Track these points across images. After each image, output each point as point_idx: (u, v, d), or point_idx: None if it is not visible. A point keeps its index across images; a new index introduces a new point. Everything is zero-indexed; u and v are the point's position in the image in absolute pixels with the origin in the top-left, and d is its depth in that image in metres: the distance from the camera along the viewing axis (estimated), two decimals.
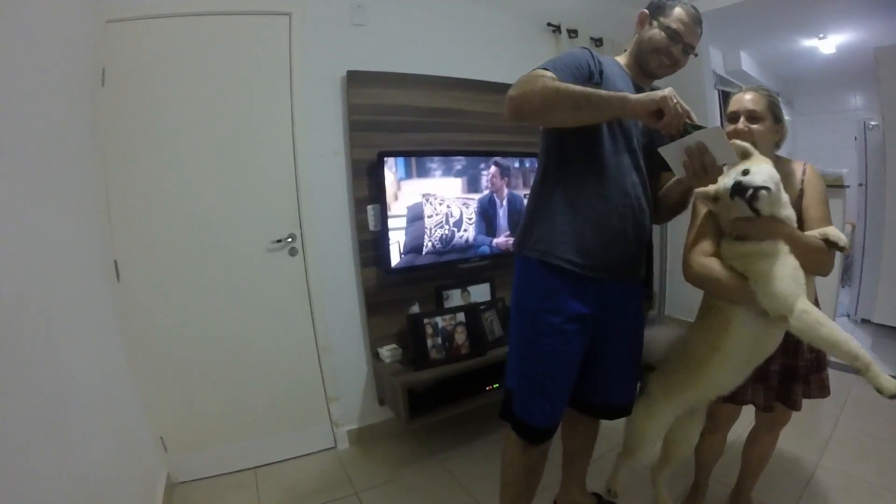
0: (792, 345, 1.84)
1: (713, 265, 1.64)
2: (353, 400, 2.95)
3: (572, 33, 3.67)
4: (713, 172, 1.51)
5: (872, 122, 4.60)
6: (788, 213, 1.59)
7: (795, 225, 1.60)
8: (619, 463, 2.29)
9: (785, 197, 1.59)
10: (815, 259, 1.57)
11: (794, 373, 1.88)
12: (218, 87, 2.50)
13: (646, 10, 1.73)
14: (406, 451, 2.89)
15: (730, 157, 1.48)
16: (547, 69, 1.56)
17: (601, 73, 1.65)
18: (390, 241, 2.73)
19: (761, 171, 1.53)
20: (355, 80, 2.74)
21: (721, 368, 1.72)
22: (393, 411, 2.86)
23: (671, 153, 1.52)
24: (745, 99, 1.76)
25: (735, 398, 1.87)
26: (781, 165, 1.76)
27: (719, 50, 5.43)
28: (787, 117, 1.88)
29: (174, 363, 2.51)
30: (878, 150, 4.37)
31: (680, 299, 4.93)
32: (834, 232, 1.59)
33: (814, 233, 1.62)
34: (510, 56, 2.73)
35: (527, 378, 1.79)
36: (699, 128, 1.47)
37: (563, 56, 1.66)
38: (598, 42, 3.79)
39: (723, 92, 5.14)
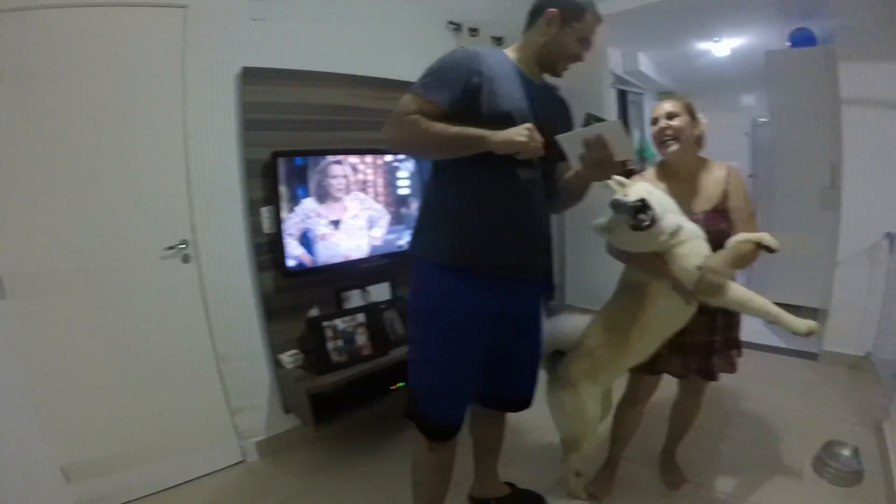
0: (707, 322, 2.03)
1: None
2: (258, 410, 2.84)
3: (473, 32, 3.70)
4: (610, 167, 1.59)
5: (762, 119, 4.90)
6: (676, 220, 1.80)
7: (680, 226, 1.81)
8: (569, 462, 2.35)
9: (670, 206, 1.80)
10: (746, 263, 1.85)
11: (711, 348, 2.07)
12: (105, 84, 2.33)
13: (555, 10, 1.68)
14: (318, 457, 2.83)
15: (628, 153, 1.53)
16: (420, 94, 1.60)
17: (480, 73, 1.62)
18: (285, 243, 2.65)
19: (636, 190, 1.73)
20: (251, 77, 2.64)
21: (641, 338, 1.96)
22: (299, 418, 2.79)
23: (569, 143, 1.55)
24: (664, 105, 2.02)
25: (653, 368, 2.09)
26: (706, 168, 2.03)
27: (618, 51, 5.62)
28: (703, 117, 2.06)
29: (69, 385, 2.31)
30: (767, 144, 4.67)
31: (581, 289, 5.10)
32: (768, 238, 1.79)
33: (749, 237, 1.83)
34: (412, 53, 2.69)
35: (429, 377, 1.80)
36: (600, 120, 1.50)
37: (441, 66, 1.64)
38: (498, 41, 3.85)
39: (621, 91, 5.33)
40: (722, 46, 5.72)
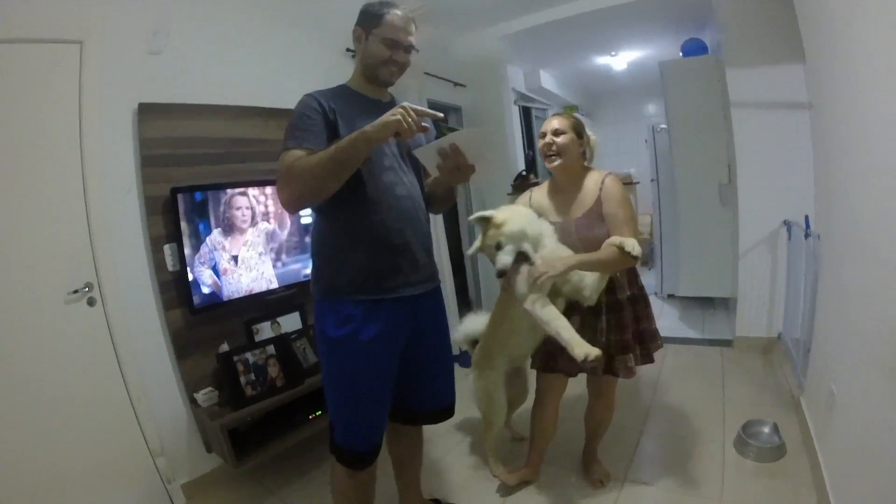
0: (591, 323, 2.15)
1: None
2: (180, 451, 2.73)
3: None
4: (466, 171, 1.67)
5: (661, 126, 5.15)
6: (551, 246, 2.03)
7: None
8: (488, 441, 2.57)
9: (544, 231, 2.05)
10: (609, 267, 2.02)
11: (623, 346, 2.17)
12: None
13: (357, 27, 1.77)
14: (245, 494, 2.75)
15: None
16: (295, 147, 1.61)
17: (333, 110, 1.68)
18: (191, 280, 2.60)
19: (507, 235, 1.95)
20: (148, 112, 2.59)
21: (512, 332, 2.28)
22: (220, 456, 2.70)
23: (425, 154, 1.63)
24: (552, 121, 2.19)
25: (550, 367, 2.23)
26: (588, 177, 2.19)
27: (520, 69, 5.83)
28: (591, 134, 2.24)
29: None
30: (667, 150, 4.91)
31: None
32: (630, 243, 1.90)
33: (611, 240, 1.96)
34: (311, 82, 2.68)
35: (342, 406, 1.81)
36: (453, 130, 1.57)
37: (300, 117, 1.67)
38: None
39: (524, 108, 5.52)
40: (619, 60, 6.04)
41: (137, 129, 2.59)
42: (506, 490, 2.50)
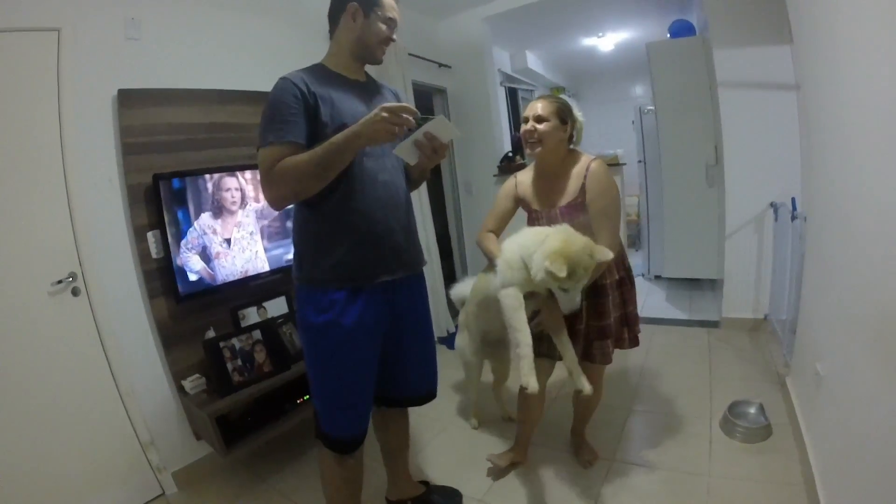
0: (598, 308, 2.16)
1: (485, 240, 2.23)
2: (170, 440, 2.73)
3: None
4: (442, 151, 1.67)
5: (649, 107, 5.14)
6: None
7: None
8: (470, 393, 2.94)
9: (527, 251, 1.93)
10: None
11: (603, 332, 2.16)
12: None
13: (354, 3, 1.71)
14: (236, 481, 2.76)
15: (454, 134, 1.65)
16: (273, 142, 1.57)
17: (312, 94, 1.63)
18: (176, 267, 2.57)
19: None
20: (127, 99, 2.54)
21: (483, 310, 2.38)
22: (210, 444, 2.70)
23: (404, 150, 1.65)
24: (536, 106, 2.12)
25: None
26: (574, 162, 2.13)
27: (506, 50, 5.79)
28: (579, 115, 2.17)
29: None
30: (654, 131, 4.90)
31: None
32: (599, 252, 1.86)
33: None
34: (291, 65, 2.68)
35: (325, 393, 1.81)
36: (426, 119, 1.61)
37: (276, 107, 1.61)
38: None
39: (510, 89, 5.49)
40: (606, 41, 6.01)
41: (117, 116, 2.54)
42: (496, 473, 2.52)
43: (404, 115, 1.49)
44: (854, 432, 1.66)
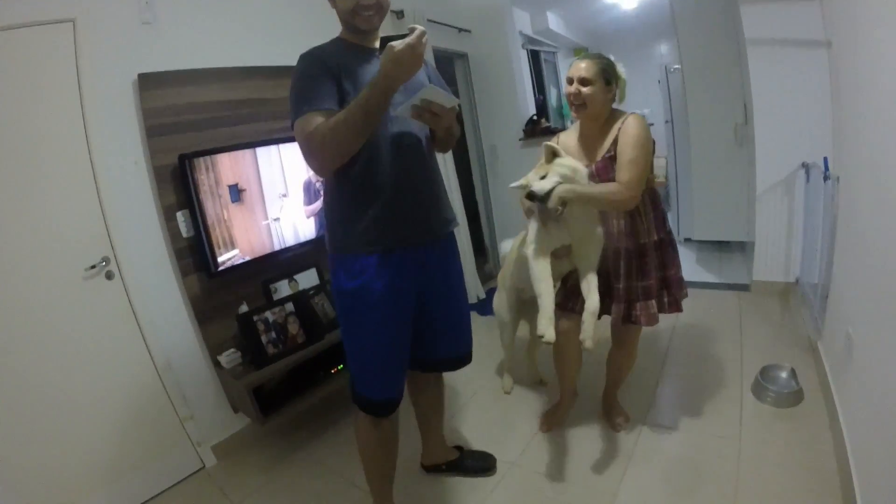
0: (642, 268, 2.17)
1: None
2: (208, 414, 2.82)
3: None
4: (445, 114, 1.63)
5: (675, 66, 5.01)
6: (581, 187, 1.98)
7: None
8: (505, 355, 3.05)
9: (581, 175, 2.00)
10: (605, 205, 2.05)
11: (648, 292, 2.17)
12: (1, 109, 2.21)
13: None
14: (274, 450, 2.85)
15: (452, 101, 1.62)
16: (311, 111, 1.56)
17: (336, 65, 1.63)
18: (206, 244, 2.62)
19: (555, 170, 1.98)
20: (148, 82, 2.56)
21: (518, 265, 2.48)
22: (248, 416, 2.78)
23: (405, 113, 1.62)
24: (580, 66, 2.06)
25: (566, 306, 2.26)
26: (615, 120, 2.12)
27: (526, 12, 5.66)
28: (623, 72, 2.12)
29: (6, 428, 2.19)
30: (680, 90, 4.79)
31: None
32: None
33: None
34: (308, 38, 2.67)
35: (360, 357, 1.83)
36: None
37: (304, 80, 1.62)
38: (399, 14, 3.86)
39: (532, 52, 5.38)
40: None
41: (139, 100, 2.56)
42: (547, 424, 2.63)
43: (422, 42, 1.45)
44: (886, 398, 1.64)
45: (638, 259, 2.16)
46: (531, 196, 1.96)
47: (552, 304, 1.95)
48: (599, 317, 2.11)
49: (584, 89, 2.04)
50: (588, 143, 2.19)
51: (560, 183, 1.94)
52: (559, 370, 2.46)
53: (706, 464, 2.22)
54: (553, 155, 2.04)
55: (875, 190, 1.84)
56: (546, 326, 1.90)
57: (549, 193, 1.93)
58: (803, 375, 2.61)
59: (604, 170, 2.08)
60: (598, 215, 2.11)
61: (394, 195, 1.71)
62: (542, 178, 1.98)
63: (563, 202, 1.94)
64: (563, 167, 1.98)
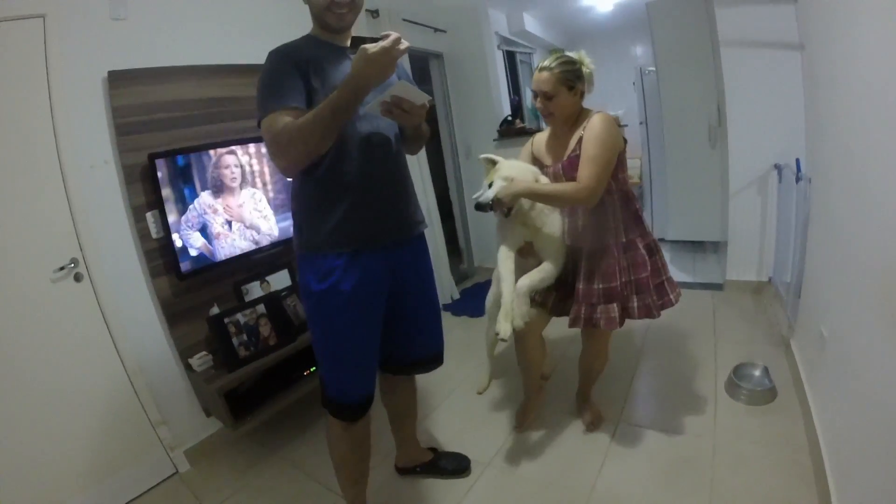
0: (604, 269, 2.15)
1: None
2: (180, 418, 2.76)
3: None
4: (415, 111, 1.61)
5: (650, 68, 5.06)
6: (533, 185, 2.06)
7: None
8: (490, 349, 3.07)
9: (525, 175, 2.09)
10: (562, 202, 2.12)
11: (610, 295, 2.14)
12: None
13: None
14: (248, 454, 2.80)
15: (422, 98, 1.60)
16: (278, 109, 1.54)
17: (306, 61, 1.61)
18: (178, 246, 2.57)
19: (498, 175, 2.08)
20: (118, 80, 2.50)
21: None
22: (220, 420, 2.74)
23: (374, 110, 1.60)
24: (542, 80, 2.09)
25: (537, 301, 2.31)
26: (584, 119, 2.12)
27: (502, 12, 5.66)
28: (587, 63, 2.12)
29: None
30: (655, 92, 4.83)
31: (486, 251, 5.32)
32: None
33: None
34: (281, 36, 2.66)
35: (330, 359, 1.81)
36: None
37: (272, 76, 1.60)
38: (374, 14, 3.84)
39: (508, 52, 5.39)
40: (605, 0, 5.84)
41: (108, 97, 2.50)
42: (520, 425, 2.62)
43: (398, 47, 1.45)
44: (858, 394, 1.66)
45: (601, 260, 2.14)
46: (479, 207, 2.05)
47: (509, 303, 2.02)
48: (556, 314, 2.25)
49: (549, 102, 2.10)
50: (557, 144, 2.23)
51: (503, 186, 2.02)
52: (521, 363, 2.48)
53: (681, 462, 2.23)
54: (492, 164, 2.17)
55: (847, 190, 1.87)
56: (502, 322, 1.97)
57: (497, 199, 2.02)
58: (776, 373, 2.64)
59: (570, 168, 2.09)
60: (559, 213, 2.17)
61: (362, 195, 1.69)
62: (490, 185, 2.07)
63: (511, 203, 2.01)
64: (505, 170, 2.10)
